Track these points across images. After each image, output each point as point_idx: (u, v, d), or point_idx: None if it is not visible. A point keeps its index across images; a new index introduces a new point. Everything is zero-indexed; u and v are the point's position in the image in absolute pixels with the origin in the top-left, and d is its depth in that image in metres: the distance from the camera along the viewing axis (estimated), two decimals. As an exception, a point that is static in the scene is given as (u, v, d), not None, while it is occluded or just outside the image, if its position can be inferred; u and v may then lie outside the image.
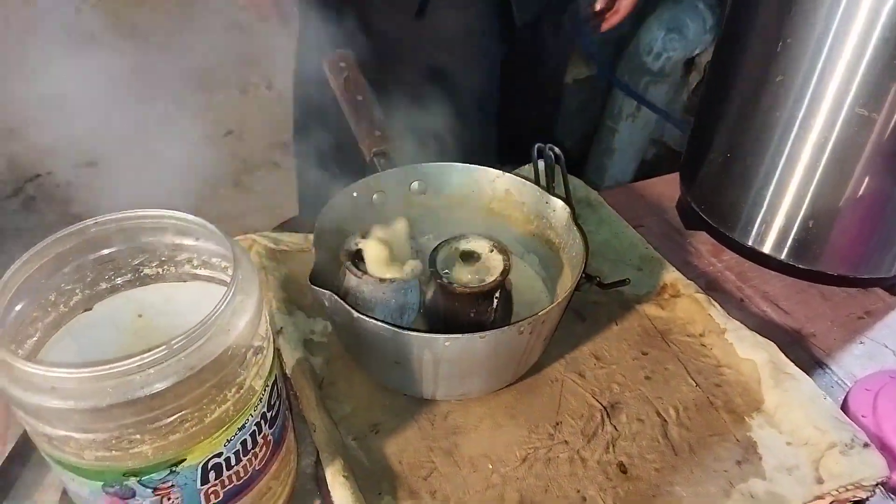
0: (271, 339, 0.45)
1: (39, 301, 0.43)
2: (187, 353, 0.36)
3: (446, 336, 0.50)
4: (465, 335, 0.50)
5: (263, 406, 0.43)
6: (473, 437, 0.57)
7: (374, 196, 0.67)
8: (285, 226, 0.81)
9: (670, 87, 1.50)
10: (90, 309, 0.48)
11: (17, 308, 0.41)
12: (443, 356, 0.52)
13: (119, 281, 0.48)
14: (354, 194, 0.65)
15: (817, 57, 0.59)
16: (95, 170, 1.49)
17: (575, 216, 0.62)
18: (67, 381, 0.35)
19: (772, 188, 0.68)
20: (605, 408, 0.59)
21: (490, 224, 0.70)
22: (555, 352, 0.63)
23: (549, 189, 0.70)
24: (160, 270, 0.49)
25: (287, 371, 0.59)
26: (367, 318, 0.51)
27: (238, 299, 0.39)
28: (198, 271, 0.49)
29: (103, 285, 0.48)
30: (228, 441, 0.41)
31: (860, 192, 0.64)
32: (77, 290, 0.46)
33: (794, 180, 0.67)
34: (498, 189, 0.68)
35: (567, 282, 0.63)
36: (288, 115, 1.66)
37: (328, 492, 0.51)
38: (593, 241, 0.68)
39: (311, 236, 0.73)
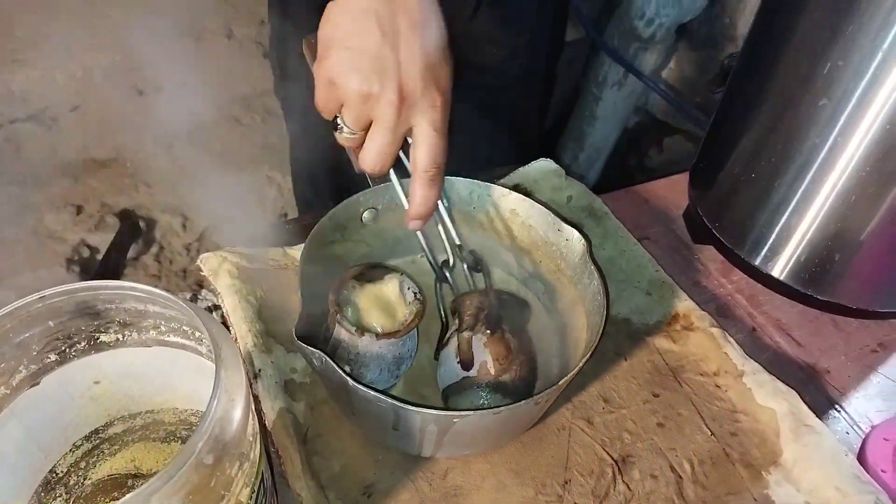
0: (258, 436, 0.38)
1: (-29, 393, 0.36)
2: (163, 493, 0.30)
3: (457, 413, 0.44)
4: (478, 412, 0.44)
5: (250, 515, 0.37)
6: (476, 499, 0.51)
7: (365, 213, 0.60)
8: (283, 227, 0.72)
9: (659, 55, 1.42)
10: (37, 384, 0.40)
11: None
12: (450, 429, 0.46)
13: (71, 351, 0.40)
14: (341, 217, 0.57)
15: (872, 85, 0.52)
16: (40, 124, 1.36)
17: (591, 250, 0.56)
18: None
19: (792, 211, 0.63)
20: (616, 462, 0.55)
21: (491, 245, 0.63)
22: (561, 395, 0.58)
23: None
24: (119, 337, 0.41)
25: (267, 423, 0.52)
26: (366, 389, 0.44)
27: (220, 413, 0.32)
28: (165, 337, 0.42)
29: (52, 357, 0.40)
30: (210, 566, 0.35)
31: (888, 225, 0.59)
32: (21, 368, 0.39)
33: (816, 206, 0.61)
34: (502, 208, 0.61)
35: (578, 322, 0.57)
36: (249, 67, 1.53)
37: (317, 570, 0.46)
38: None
39: (290, 251, 0.65)
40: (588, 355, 0.48)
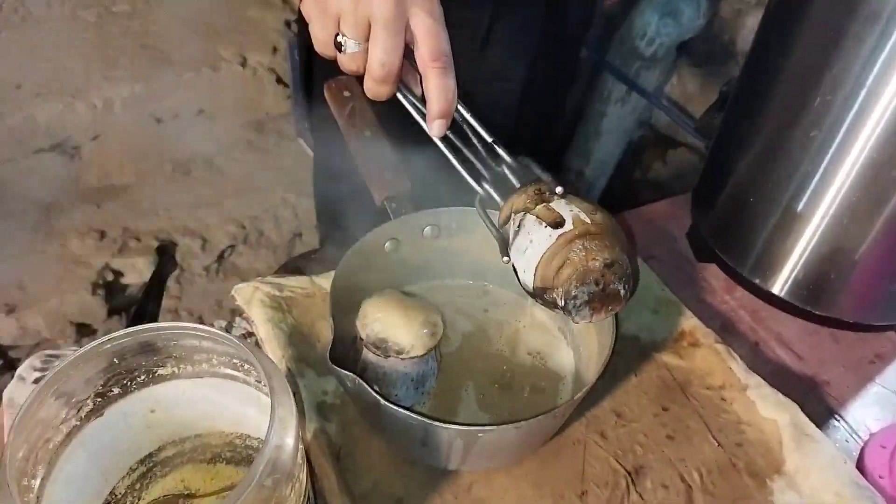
0: (305, 457, 0.42)
1: (47, 428, 0.40)
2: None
3: (480, 428, 0.48)
4: (501, 427, 0.48)
5: (299, 530, 0.41)
6: (499, 511, 0.55)
7: (387, 244, 0.64)
8: (306, 257, 0.76)
9: (661, 72, 1.46)
10: (101, 415, 0.44)
11: (22, 450, 0.38)
12: (475, 442, 0.50)
13: (132, 385, 0.44)
14: (365, 249, 0.61)
15: (858, 118, 0.56)
16: (62, 153, 1.41)
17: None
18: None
19: (789, 233, 0.67)
20: (629, 473, 0.58)
21: (507, 268, 0.67)
22: (576, 409, 0.61)
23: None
24: (175, 370, 0.45)
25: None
26: (397, 409, 0.48)
27: (276, 439, 0.36)
28: (216, 369, 0.46)
29: (115, 390, 0.44)
30: (266, 579, 0.39)
31: (881, 245, 0.63)
32: (88, 401, 0.43)
33: (811, 228, 0.65)
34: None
35: (590, 339, 0.61)
36: (262, 93, 1.58)
37: (355, 580, 0.49)
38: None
39: (317, 279, 0.69)
40: (601, 372, 0.52)
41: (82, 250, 1.38)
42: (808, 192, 0.63)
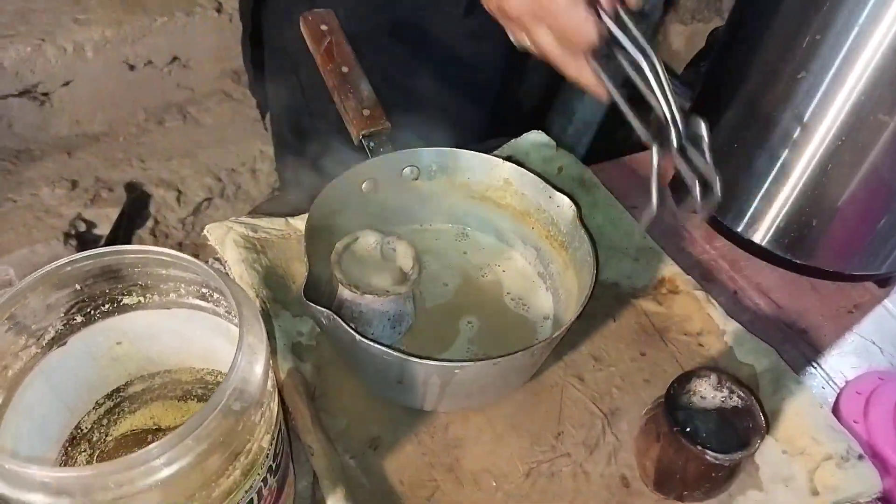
0: (276, 387, 0.41)
1: (4, 354, 0.38)
2: (196, 436, 0.32)
3: (457, 364, 0.47)
4: (478, 363, 0.48)
5: (269, 460, 0.40)
6: (475, 450, 0.55)
7: (364, 184, 0.62)
8: (266, 205, 0.74)
9: (648, 29, 1.44)
10: (64, 344, 0.43)
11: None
12: (451, 380, 0.49)
13: (96, 313, 0.43)
14: (342, 188, 0.60)
15: (848, 59, 0.55)
16: (32, 99, 1.36)
17: (581, 215, 0.59)
18: (64, 481, 0.31)
19: (772, 180, 0.66)
20: (605, 415, 0.58)
21: (487, 213, 0.66)
22: (554, 353, 0.61)
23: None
24: (141, 299, 0.44)
25: (277, 383, 0.55)
26: (372, 343, 0.47)
27: (244, 365, 0.35)
28: (184, 300, 0.44)
29: (79, 318, 0.42)
30: (236, 506, 0.38)
31: (862, 192, 0.63)
32: (49, 328, 0.41)
33: (795, 175, 0.64)
34: (496, 177, 0.64)
35: (570, 284, 0.60)
36: (238, 40, 1.53)
37: (328, 516, 0.49)
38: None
39: (293, 221, 0.68)
40: (580, 311, 0.51)
41: (53, 200, 1.35)
42: (794, 138, 0.62)
